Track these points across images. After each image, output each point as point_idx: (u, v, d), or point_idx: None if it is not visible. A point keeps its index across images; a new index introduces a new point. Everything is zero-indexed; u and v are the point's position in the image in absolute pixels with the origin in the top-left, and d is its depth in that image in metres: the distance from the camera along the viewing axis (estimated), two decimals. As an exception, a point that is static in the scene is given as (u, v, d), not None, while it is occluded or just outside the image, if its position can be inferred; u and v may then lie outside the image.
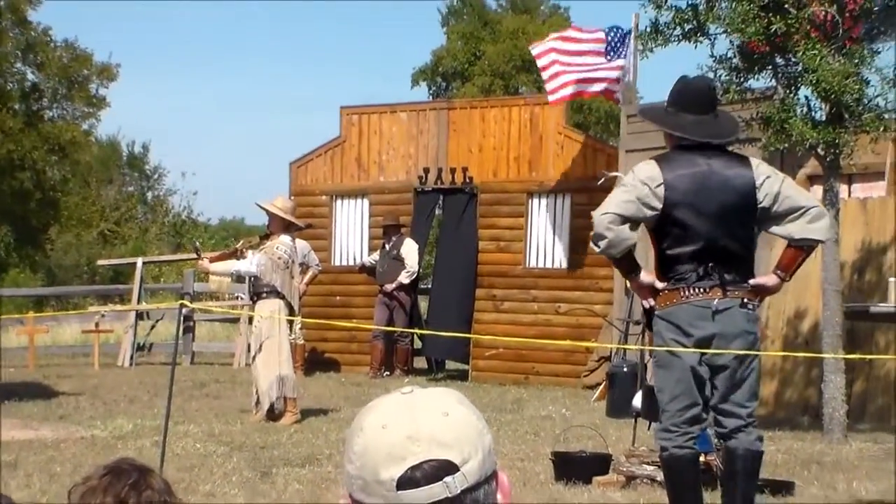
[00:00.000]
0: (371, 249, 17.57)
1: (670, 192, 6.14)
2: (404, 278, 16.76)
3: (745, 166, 6.27)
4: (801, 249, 6.29)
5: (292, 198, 16.12)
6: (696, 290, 6.13)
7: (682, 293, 6.16)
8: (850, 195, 13.66)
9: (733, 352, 6.22)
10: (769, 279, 6.36)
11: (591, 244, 6.44)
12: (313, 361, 17.27)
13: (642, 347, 13.42)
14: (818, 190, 12.77)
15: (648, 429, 9.65)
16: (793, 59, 10.51)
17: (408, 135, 17.72)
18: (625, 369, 12.61)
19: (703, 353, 6.19)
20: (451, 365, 17.99)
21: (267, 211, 12.12)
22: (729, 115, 6.85)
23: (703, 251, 6.14)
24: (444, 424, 2.01)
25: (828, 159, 10.62)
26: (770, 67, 10.71)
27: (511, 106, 17.48)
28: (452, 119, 17.43)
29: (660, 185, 6.14)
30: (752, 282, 6.25)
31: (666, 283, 6.22)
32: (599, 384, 14.63)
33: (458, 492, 1.97)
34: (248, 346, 15.02)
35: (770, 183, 6.20)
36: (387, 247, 16.97)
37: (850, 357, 10.98)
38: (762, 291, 6.38)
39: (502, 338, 14.83)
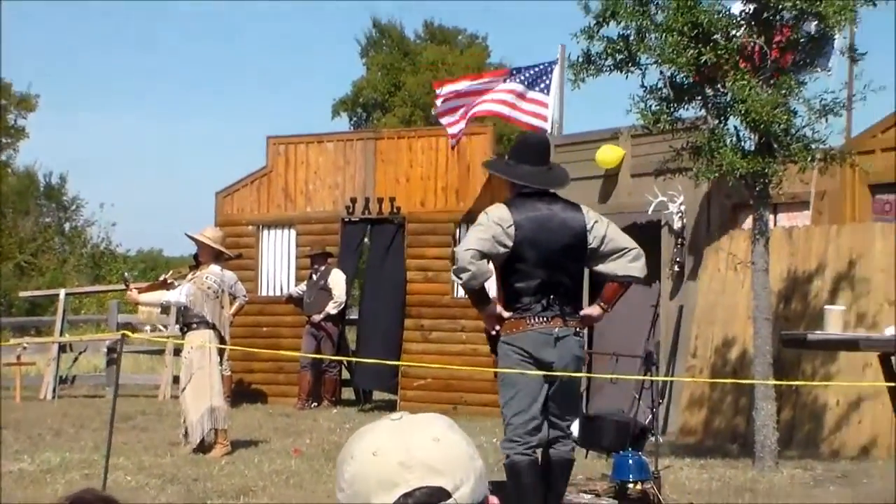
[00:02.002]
0: (298, 280, 17.48)
1: (519, 232, 6.98)
2: (332, 308, 16.71)
3: (578, 211, 7.19)
4: (621, 285, 7.23)
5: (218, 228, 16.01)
6: (541, 319, 6.99)
7: (527, 322, 6.99)
8: (775, 224, 13.82)
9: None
10: (594, 310, 7.31)
11: (453, 276, 7.16)
12: (240, 393, 17.10)
13: (583, 375, 13.49)
14: (746, 219, 12.95)
15: (586, 457, 9.71)
16: (722, 90, 10.64)
17: (335, 165, 17.68)
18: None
19: (546, 374, 7.00)
20: (379, 395, 17.91)
21: (196, 241, 12.01)
22: (561, 167, 7.80)
23: (546, 285, 6.99)
24: (436, 450, 1.99)
25: (757, 189, 10.73)
26: (700, 98, 10.82)
27: (438, 136, 17.47)
28: (379, 149, 17.41)
29: (510, 226, 6.97)
30: (582, 312, 7.20)
31: (512, 314, 7.03)
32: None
33: (450, 518, 1.96)
34: (175, 377, 14.86)
35: (598, 227, 7.13)
36: (314, 277, 16.90)
37: (783, 383, 11.10)
38: (588, 321, 7.37)
39: (431, 365, 14.78)
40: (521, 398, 7.01)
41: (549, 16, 74.47)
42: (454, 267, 7.03)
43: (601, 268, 7.17)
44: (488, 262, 6.99)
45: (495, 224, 6.97)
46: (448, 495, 1.96)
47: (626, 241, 7.21)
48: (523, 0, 72.36)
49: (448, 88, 16.72)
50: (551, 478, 7.13)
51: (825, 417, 12.20)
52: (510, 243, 6.95)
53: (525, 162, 7.26)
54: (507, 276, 7.07)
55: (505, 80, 16.36)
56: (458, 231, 16.62)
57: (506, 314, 7.04)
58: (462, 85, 16.81)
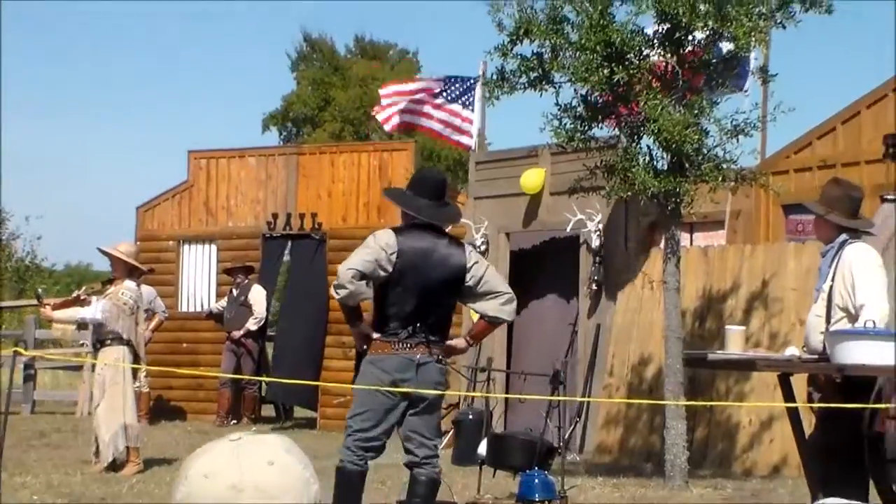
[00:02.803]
0: (219, 296, 17.38)
1: (400, 260, 7.31)
2: (252, 325, 16.63)
3: (461, 250, 7.56)
4: (490, 323, 7.66)
5: (138, 243, 15.90)
6: (405, 345, 7.32)
7: (393, 346, 7.32)
8: (691, 243, 13.93)
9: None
10: (460, 342, 7.72)
11: (332, 291, 7.36)
12: (158, 410, 16.97)
13: (487, 395, 13.51)
14: (663, 238, 13.03)
15: (493, 476, 9.70)
16: (635, 109, 10.70)
17: (256, 180, 17.62)
18: (470, 417, 12.62)
19: (402, 397, 7.31)
20: (299, 412, 17.82)
21: (110, 256, 11.90)
22: (454, 205, 8.20)
23: (415, 314, 7.35)
24: (269, 474, 1.99)
25: (669, 208, 10.81)
26: (613, 116, 10.88)
27: (361, 151, 17.51)
28: (302, 164, 17.39)
29: (394, 253, 7.29)
30: (447, 343, 7.52)
31: (380, 335, 7.36)
32: (447, 432, 14.62)
33: (280, 543, 1.95)
34: (91, 394, 14.70)
35: (477, 267, 7.49)
36: (234, 293, 16.81)
37: (692, 404, 11.17)
38: (452, 351, 7.73)
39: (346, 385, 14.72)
40: (368, 417, 7.30)
41: (478, 31, 74.74)
42: (335, 282, 7.30)
43: (475, 305, 7.58)
44: (368, 284, 7.31)
45: (381, 249, 7.28)
46: (278, 519, 1.95)
47: (502, 284, 7.62)
48: (453, 14, 72.52)
49: (392, 90, 17.13)
50: (420, 496, 7.39)
51: (738, 436, 12.28)
52: (390, 269, 7.28)
53: (421, 195, 7.58)
54: (381, 299, 7.40)
55: (437, 97, 16.50)
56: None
57: (375, 335, 7.37)
58: (406, 86, 17.23)
